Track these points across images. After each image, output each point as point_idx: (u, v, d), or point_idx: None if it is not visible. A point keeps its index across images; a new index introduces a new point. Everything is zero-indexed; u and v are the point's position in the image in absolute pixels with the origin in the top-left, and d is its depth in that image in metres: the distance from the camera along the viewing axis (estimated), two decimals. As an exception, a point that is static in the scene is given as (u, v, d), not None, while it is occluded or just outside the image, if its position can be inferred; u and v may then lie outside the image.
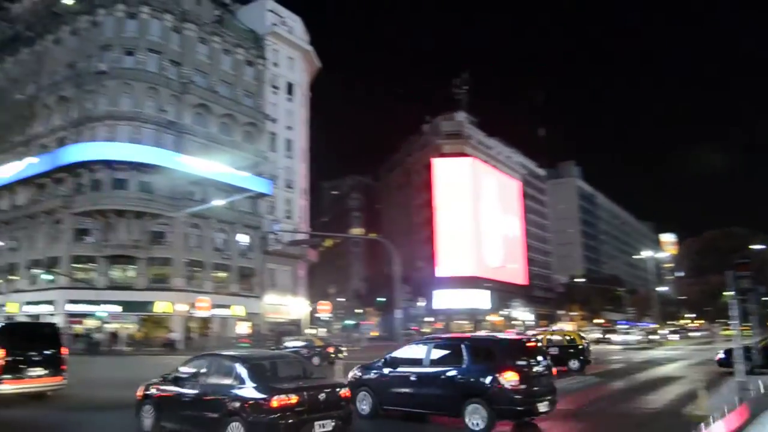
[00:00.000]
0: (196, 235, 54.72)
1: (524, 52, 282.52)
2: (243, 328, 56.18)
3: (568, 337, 26.83)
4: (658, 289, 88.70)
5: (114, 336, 46.00)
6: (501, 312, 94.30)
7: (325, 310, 59.73)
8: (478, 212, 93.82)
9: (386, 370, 13.36)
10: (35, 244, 54.52)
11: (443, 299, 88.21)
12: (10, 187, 57.77)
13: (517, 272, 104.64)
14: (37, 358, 16.36)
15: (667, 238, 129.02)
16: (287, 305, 62.33)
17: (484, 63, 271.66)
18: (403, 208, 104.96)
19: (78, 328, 48.07)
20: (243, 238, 58.55)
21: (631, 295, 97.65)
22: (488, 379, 11.46)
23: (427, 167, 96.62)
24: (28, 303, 52.81)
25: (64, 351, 17.25)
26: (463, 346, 12.35)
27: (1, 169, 58.38)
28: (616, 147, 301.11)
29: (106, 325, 46.50)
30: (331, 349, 33.56)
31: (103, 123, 52.06)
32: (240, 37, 62.20)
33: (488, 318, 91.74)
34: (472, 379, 11.77)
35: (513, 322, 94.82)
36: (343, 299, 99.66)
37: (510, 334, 21.20)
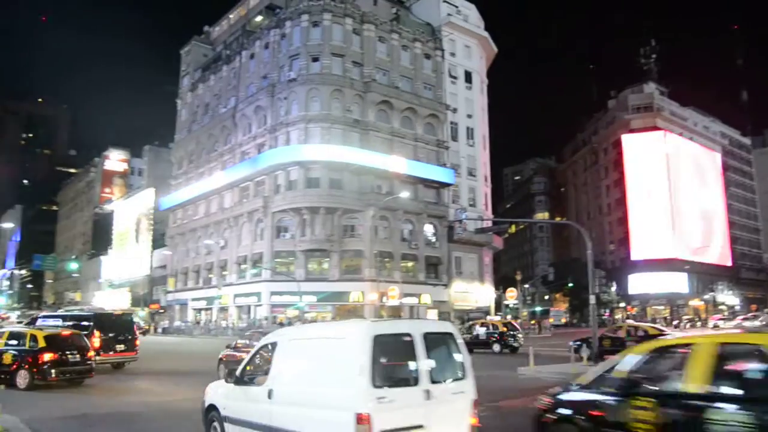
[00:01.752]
0: (384, 227, 56.70)
1: (717, 8, 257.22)
2: (432, 316, 57.44)
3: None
4: None
5: (315, 325, 49.28)
6: (703, 296, 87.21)
7: (511, 296, 59.29)
8: (673, 189, 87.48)
9: None
10: (241, 242, 59.88)
11: (638, 283, 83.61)
12: (219, 192, 63.93)
13: (719, 252, 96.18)
14: (119, 338, 22.08)
15: None
16: (474, 293, 62.71)
17: (673, 27, 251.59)
18: (591, 189, 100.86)
19: (281, 317, 52.19)
20: (429, 228, 59.77)
21: None
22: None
23: (616, 145, 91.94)
24: (237, 295, 58.33)
25: (137, 333, 23.91)
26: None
27: (212, 176, 64.96)
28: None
29: (305, 315, 49.89)
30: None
31: (295, 127, 55.83)
32: (417, 32, 63.33)
33: (690, 303, 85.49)
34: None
35: (719, 307, 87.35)
36: (530, 285, 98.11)
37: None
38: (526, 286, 71.71)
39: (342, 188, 54.75)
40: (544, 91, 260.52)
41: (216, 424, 9.26)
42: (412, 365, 7.26)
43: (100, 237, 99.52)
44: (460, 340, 7.96)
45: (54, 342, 16.83)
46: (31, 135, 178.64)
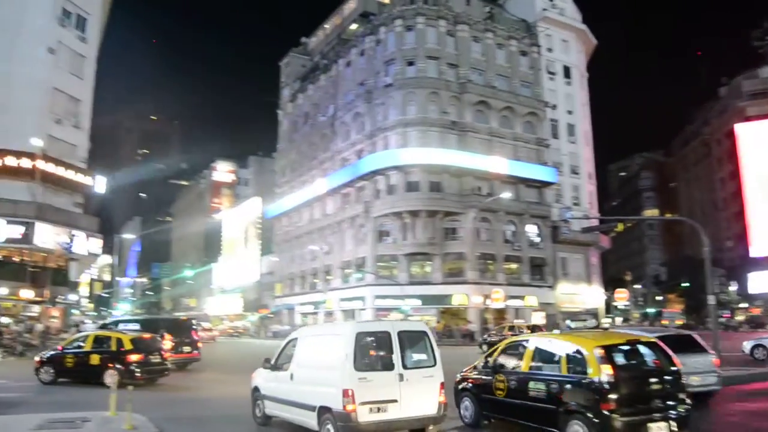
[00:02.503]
0: (486, 228, 56.07)
1: None
2: (537, 319, 56.25)
3: None
4: None
5: (418, 328, 49.11)
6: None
7: (621, 297, 57.02)
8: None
9: None
10: (345, 247, 60.90)
11: (760, 282, 78.18)
12: (321, 199, 65.38)
13: None
14: (185, 341, 24.51)
15: None
16: (581, 294, 60.88)
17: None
18: (704, 183, 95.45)
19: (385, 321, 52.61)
20: (531, 229, 58.58)
21: None
22: None
23: (729, 135, 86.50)
24: (342, 299, 59.31)
25: (197, 337, 26.08)
26: None
27: (314, 184, 66.53)
28: None
29: (409, 318, 49.96)
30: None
31: (393, 131, 56.25)
32: (511, 29, 62.36)
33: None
34: None
35: None
36: (640, 286, 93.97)
37: None
38: (637, 286, 68.79)
39: (442, 191, 54.61)
40: (648, 82, 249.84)
41: (259, 401, 12.14)
42: (389, 355, 9.72)
43: (211, 245, 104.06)
44: (431, 337, 10.41)
45: (139, 344, 18.66)
46: (146, 151, 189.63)
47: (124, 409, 11.18)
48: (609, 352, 9.31)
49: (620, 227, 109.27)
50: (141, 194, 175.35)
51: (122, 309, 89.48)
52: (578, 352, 9.55)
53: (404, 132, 55.76)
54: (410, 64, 57.38)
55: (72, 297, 49.41)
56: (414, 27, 57.84)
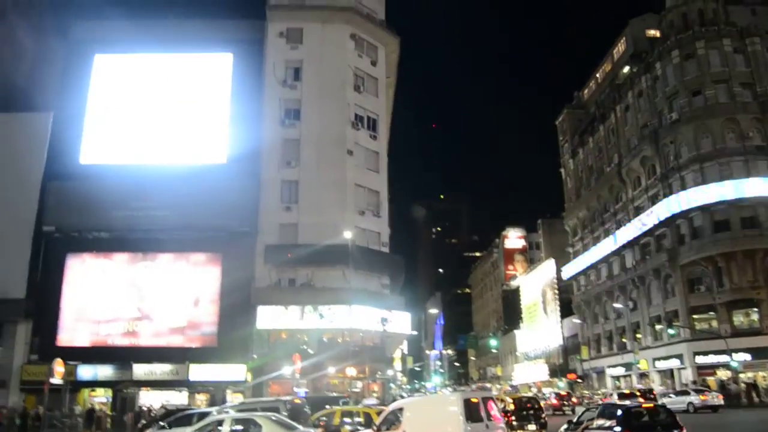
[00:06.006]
0: (824, 263, 47.61)
1: None
2: None
3: None
4: None
5: (752, 387, 42.67)
6: None
7: None
8: None
9: None
10: (651, 302, 56.32)
11: None
12: (618, 253, 61.88)
13: None
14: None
15: None
16: None
17: None
18: None
19: (710, 380, 46.80)
20: None
21: None
22: None
23: None
24: (656, 359, 54.43)
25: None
26: None
27: (608, 238, 63.48)
28: None
29: (740, 375, 43.84)
30: None
31: (688, 170, 51.51)
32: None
33: None
34: None
35: None
36: None
37: None
38: None
39: (759, 226, 48.05)
40: None
41: None
42: (479, 412, 14.65)
43: (510, 312, 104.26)
44: (495, 399, 16.97)
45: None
46: (439, 229, 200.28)
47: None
48: (514, 400, 25.68)
49: None
50: (439, 270, 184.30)
51: (434, 381, 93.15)
52: (504, 400, 25.70)
53: (701, 168, 50.67)
54: (696, 94, 52.65)
55: (389, 372, 52.73)
56: (694, 54, 53.23)
